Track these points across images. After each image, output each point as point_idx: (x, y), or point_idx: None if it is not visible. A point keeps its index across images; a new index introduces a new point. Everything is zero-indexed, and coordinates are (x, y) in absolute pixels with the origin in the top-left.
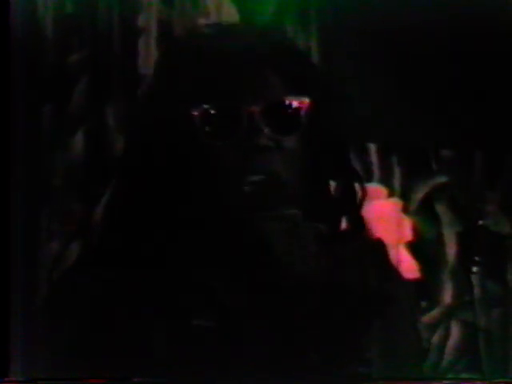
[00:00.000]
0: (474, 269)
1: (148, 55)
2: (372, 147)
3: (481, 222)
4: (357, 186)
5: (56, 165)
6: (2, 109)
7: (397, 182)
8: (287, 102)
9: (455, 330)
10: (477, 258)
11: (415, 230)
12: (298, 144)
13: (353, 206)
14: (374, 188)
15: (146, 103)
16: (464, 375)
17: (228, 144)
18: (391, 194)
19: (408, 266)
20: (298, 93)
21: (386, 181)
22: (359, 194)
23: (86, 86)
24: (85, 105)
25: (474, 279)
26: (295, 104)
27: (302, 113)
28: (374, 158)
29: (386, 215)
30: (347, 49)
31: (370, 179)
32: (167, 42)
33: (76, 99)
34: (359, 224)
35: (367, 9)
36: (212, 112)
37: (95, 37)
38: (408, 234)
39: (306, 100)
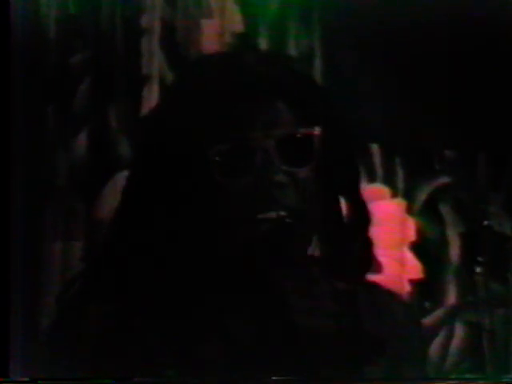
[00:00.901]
0: (478, 269)
1: (151, 56)
2: (375, 148)
3: (485, 223)
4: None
5: (59, 165)
6: (4, 109)
7: (400, 182)
8: (299, 135)
9: (459, 331)
10: (480, 259)
11: (419, 230)
12: (310, 174)
13: (363, 231)
14: (378, 189)
15: (155, 139)
16: (468, 376)
17: (242, 181)
18: (394, 195)
19: (412, 267)
20: (310, 122)
21: (389, 181)
22: (366, 220)
23: (89, 86)
24: (88, 105)
25: (478, 280)
26: (307, 135)
27: (315, 143)
28: (377, 158)
29: (389, 216)
30: (350, 49)
31: (373, 180)
32: (175, 76)
33: (79, 100)
34: (369, 249)
35: (370, 9)
36: (226, 150)
37: (98, 37)
38: (411, 235)
39: (318, 130)
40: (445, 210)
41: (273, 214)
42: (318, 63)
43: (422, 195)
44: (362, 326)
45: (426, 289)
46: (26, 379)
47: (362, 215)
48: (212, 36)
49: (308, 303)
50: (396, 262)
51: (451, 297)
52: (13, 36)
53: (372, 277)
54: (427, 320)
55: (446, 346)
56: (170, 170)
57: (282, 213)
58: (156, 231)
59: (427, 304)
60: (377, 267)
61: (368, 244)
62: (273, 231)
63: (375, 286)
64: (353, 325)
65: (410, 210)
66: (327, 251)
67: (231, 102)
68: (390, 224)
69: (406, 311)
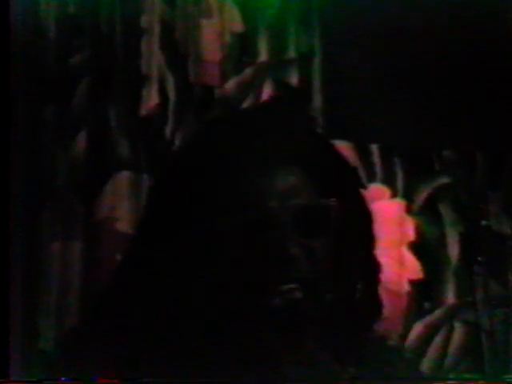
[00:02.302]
0: (477, 269)
1: (150, 56)
2: (375, 148)
3: (483, 223)
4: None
5: (58, 165)
6: (4, 110)
7: (400, 182)
8: (316, 207)
9: (458, 331)
10: (479, 259)
11: (418, 230)
12: (326, 246)
13: (375, 291)
14: (377, 188)
15: (166, 204)
16: (466, 375)
17: (256, 253)
18: (394, 195)
19: (411, 267)
20: (327, 190)
21: (388, 181)
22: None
23: (89, 86)
24: (87, 106)
25: (477, 279)
26: (324, 207)
27: (331, 215)
28: (376, 158)
29: (388, 216)
30: (350, 49)
31: (372, 180)
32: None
33: (78, 100)
34: (379, 307)
35: (370, 9)
36: (241, 220)
37: (97, 37)
38: (411, 235)
39: (334, 202)
40: (444, 209)
41: (285, 287)
42: (317, 63)
43: (422, 195)
44: None
45: (426, 288)
46: (27, 379)
47: (375, 276)
48: (211, 36)
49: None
50: (395, 261)
51: (450, 296)
52: (13, 36)
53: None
54: (427, 319)
55: (444, 345)
56: (181, 235)
57: (294, 286)
58: (164, 291)
59: (426, 304)
60: (376, 267)
61: (378, 302)
62: (284, 305)
63: (381, 340)
64: None
65: (409, 210)
66: (338, 311)
67: (248, 169)
68: (390, 224)
69: (407, 367)
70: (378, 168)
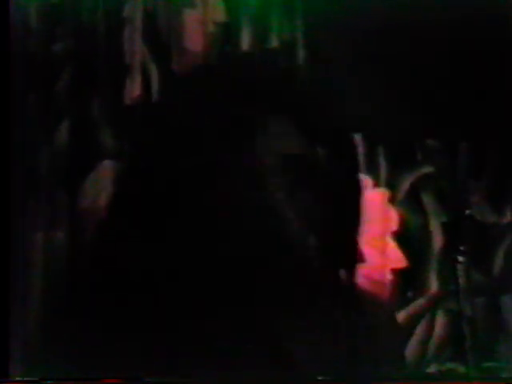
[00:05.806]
0: (460, 258)
1: (133, 45)
2: (357, 137)
3: (467, 212)
4: None
5: (41, 154)
6: None
7: (382, 172)
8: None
9: (440, 320)
10: (462, 248)
11: (401, 220)
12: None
13: None
14: (360, 178)
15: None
16: (448, 365)
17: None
18: (377, 185)
19: (394, 256)
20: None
21: (371, 171)
22: None
23: (71, 76)
24: (69, 95)
25: (460, 269)
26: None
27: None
28: (359, 148)
29: (371, 205)
30: (334, 41)
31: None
32: None
33: (60, 89)
34: None
35: (355, 1)
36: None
37: (80, 27)
38: (394, 224)
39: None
40: (427, 199)
41: None
42: (300, 54)
43: (404, 185)
44: None
45: (408, 277)
46: (27, 379)
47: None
48: (194, 25)
49: None
50: (378, 251)
51: (433, 285)
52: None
53: None
54: (409, 308)
55: (427, 334)
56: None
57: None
58: None
59: (409, 293)
60: (360, 257)
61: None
62: None
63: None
64: None
65: (392, 200)
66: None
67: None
68: (372, 213)
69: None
70: (361, 157)
